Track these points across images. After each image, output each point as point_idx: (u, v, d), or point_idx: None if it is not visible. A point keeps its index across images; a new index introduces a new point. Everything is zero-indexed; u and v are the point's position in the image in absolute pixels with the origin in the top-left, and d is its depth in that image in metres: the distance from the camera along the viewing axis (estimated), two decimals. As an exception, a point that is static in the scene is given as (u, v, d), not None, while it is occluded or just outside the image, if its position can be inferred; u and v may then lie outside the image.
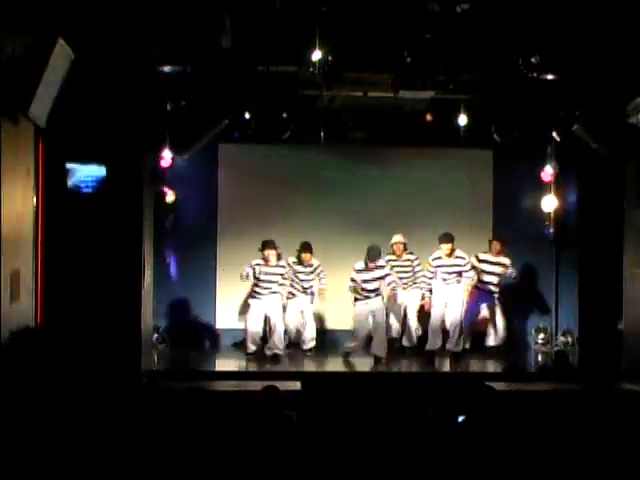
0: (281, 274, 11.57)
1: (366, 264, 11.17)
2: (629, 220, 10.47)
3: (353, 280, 11.29)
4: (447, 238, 11.60)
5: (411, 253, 12.20)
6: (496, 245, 11.97)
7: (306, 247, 11.88)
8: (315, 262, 12.01)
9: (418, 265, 12.10)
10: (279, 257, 11.53)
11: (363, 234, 12.35)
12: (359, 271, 11.23)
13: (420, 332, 12.29)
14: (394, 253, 12.08)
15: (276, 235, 12.21)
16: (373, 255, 11.10)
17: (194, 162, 11.29)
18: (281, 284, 11.62)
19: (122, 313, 9.38)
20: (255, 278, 11.42)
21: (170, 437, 5.63)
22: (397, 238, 12.08)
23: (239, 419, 6.13)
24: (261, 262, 11.41)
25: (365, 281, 11.24)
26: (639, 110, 9.66)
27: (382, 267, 11.33)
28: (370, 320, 11.35)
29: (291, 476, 5.37)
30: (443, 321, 11.83)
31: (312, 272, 12.01)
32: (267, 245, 11.42)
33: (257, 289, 11.53)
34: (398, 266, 12.06)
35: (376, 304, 11.35)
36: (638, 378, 9.76)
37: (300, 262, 11.93)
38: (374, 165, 13.01)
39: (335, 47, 9.34)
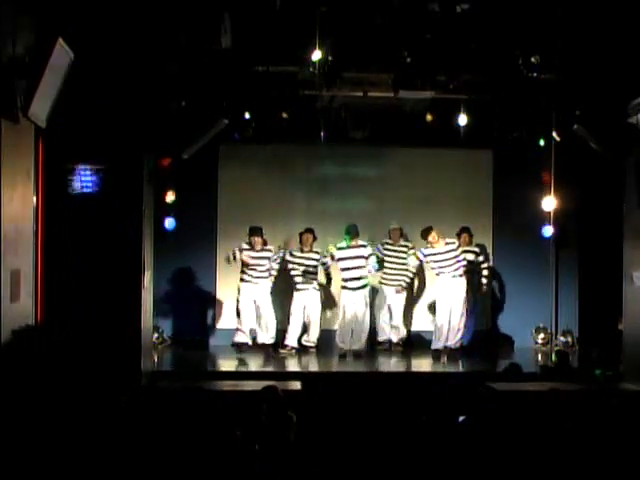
0: (267, 257, 11.81)
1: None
2: (629, 220, 10.47)
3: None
4: (426, 230, 11.71)
5: (407, 240, 12.39)
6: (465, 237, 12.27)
7: (307, 231, 12.03)
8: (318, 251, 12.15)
9: (411, 255, 12.22)
10: (265, 243, 11.84)
11: (363, 234, 12.36)
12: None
13: (404, 330, 12.41)
14: (391, 238, 12.33)
15: (276, 235, 12.26)
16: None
17: (194, 162, 11.28)
18: (267, 269, 11.82)
19: (122, 313, 9.38)
20: (242, 262, 11.74)
21: (170, 437, 5.63)
22: (394, 224, 12.33)
23: (239, 419, 6.13)
24: (246, 247, 11.76)
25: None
26: (639, 110, 9.66)
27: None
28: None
29: (291, 475, 5.37)
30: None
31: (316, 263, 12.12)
32: (253, 232, 11.73)
33: (245, 274, 11.80)
34: (393, 251, 12.29)
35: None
36: (638, 378, 9.75)
37: (301, 250, 12.08)
38: (374, 165, 13.03)
39: (335, 47, 9.34)
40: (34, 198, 8.52)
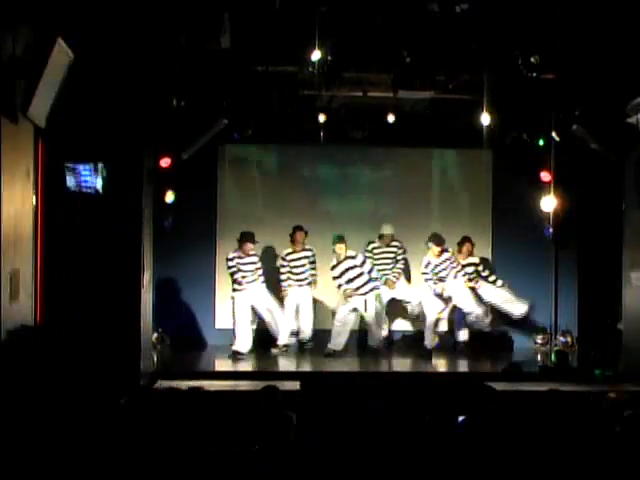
0: (254, 262, 11.71)
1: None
2: (628, 220, 10.46)
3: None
4: (439, 240, 11.80)
5: (397, 241, 12.34)
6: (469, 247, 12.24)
7: (298, 229, 11.99)
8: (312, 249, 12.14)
9: (401, 255, 12.28)
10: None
11: (363, 234, 12.36)
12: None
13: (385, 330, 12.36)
14: (382, 240, 12.24)
15: (276, 235, 12.25)
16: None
17: (194, 162, 11.28)
18: (260, 275, 11.77)
19: (121, 313, 9.37)
20: (237, 270, 11.60)
21: (169, 437, 5.63)
22: (389, 230, 12.21)
23: (238, 419, 6.13)
24: (234, 255, 11.60)
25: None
26: (638, 110, 9.65)
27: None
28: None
29: (291, 476, 5.36)
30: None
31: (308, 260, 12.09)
32: (246, 238, 11.59)
33: (237, 283, 11.62)
34: (383, 252, 12.24)
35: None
36: (638, 378, 9.75)
37: (294, 250, 12.01)
38: (374, 165, 13.02)
39: (335, 47, 9.34)
40: (34, 198, 8.53)
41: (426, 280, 11.90)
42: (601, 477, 5.42)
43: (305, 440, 5.76)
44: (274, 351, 11.90)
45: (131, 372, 9.21)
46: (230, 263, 11.60)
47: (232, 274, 11.62)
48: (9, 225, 7.56)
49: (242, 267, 11.62)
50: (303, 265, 12.07)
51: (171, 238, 11.80)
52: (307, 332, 12.20)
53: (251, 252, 11.69)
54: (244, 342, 11.56)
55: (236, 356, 11.47)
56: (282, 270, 12.04)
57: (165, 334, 12.32)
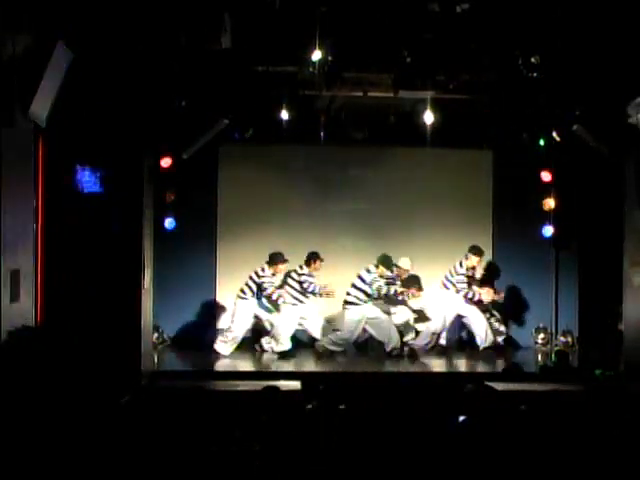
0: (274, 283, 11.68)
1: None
2: (629, 220, 10.46)
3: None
4: (477, 251, 11.86)
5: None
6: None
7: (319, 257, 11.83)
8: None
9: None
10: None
11: (362, 234, 12.37)
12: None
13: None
14: (398, 274, 12.06)
15: (275, 236, 12.24)
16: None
17: (194, 162, 11.28)
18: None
19: (122, 313, 9.38)
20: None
21: (170, 437, 5.63)
22: (406, 264, 12.06)
23: (239, 419, 6.13)
24: (266, 273, 11.50)
25: None
26: (639, 110, 9.65)
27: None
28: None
29: (291, 476, 5.37)
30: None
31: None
32: (279, 259, 11.50)
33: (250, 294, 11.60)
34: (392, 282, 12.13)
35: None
36: (638, 378, 9.75)
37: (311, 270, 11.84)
38: (374, 165, 13.01)
39: (335, 47, 9.34)
40: (34, 198, 8.53)
41: (459, 283, 11.82)
42: (601, 477, 5.42)
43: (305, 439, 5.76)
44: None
45: (132, 372, 9.22)
46: (264, 278, 11.49)
47: (263, 286, 11.51)
48: (9, 225, 7.56)
49: (267, 286, 11.55)
50: (310, 284, 11.89)
51: (171, 238, 11.81)
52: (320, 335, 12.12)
53: (280, 273, 11.66)
54: (231, 345, 11.62)
55: (216, 354, 11.55)
56: (301, 285, 11.84)
57: (165, 334, 12.34)
